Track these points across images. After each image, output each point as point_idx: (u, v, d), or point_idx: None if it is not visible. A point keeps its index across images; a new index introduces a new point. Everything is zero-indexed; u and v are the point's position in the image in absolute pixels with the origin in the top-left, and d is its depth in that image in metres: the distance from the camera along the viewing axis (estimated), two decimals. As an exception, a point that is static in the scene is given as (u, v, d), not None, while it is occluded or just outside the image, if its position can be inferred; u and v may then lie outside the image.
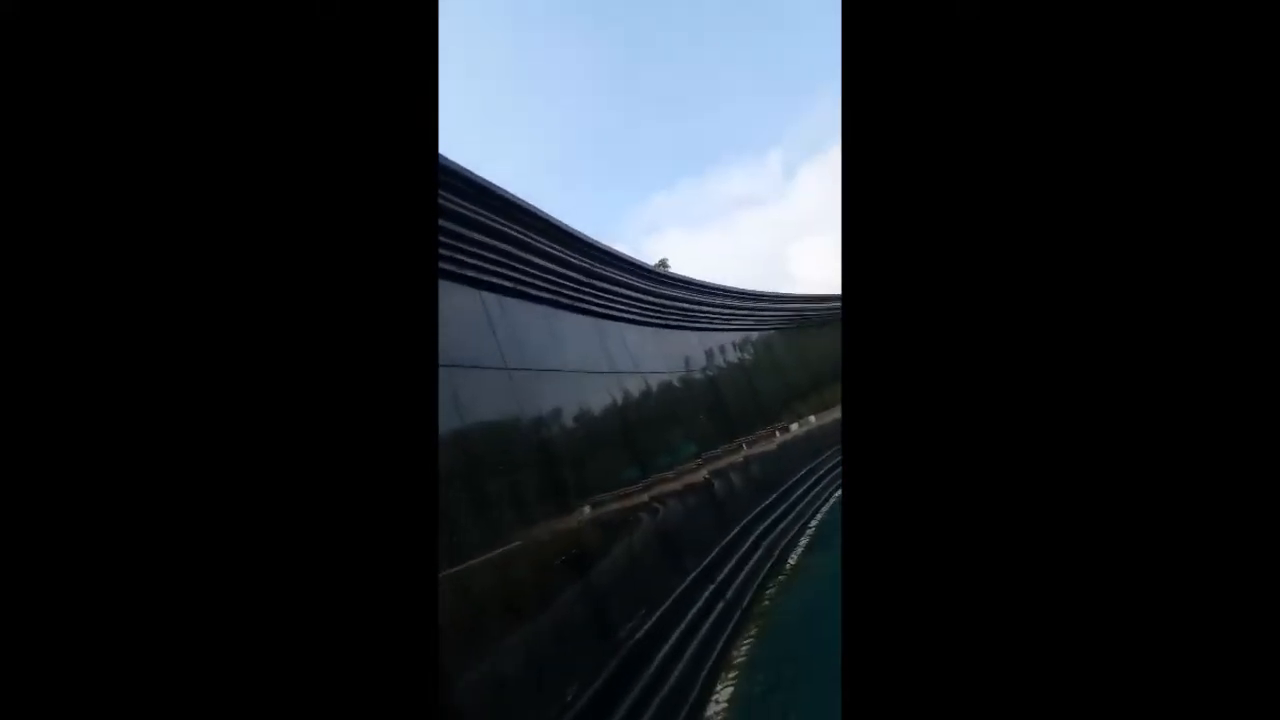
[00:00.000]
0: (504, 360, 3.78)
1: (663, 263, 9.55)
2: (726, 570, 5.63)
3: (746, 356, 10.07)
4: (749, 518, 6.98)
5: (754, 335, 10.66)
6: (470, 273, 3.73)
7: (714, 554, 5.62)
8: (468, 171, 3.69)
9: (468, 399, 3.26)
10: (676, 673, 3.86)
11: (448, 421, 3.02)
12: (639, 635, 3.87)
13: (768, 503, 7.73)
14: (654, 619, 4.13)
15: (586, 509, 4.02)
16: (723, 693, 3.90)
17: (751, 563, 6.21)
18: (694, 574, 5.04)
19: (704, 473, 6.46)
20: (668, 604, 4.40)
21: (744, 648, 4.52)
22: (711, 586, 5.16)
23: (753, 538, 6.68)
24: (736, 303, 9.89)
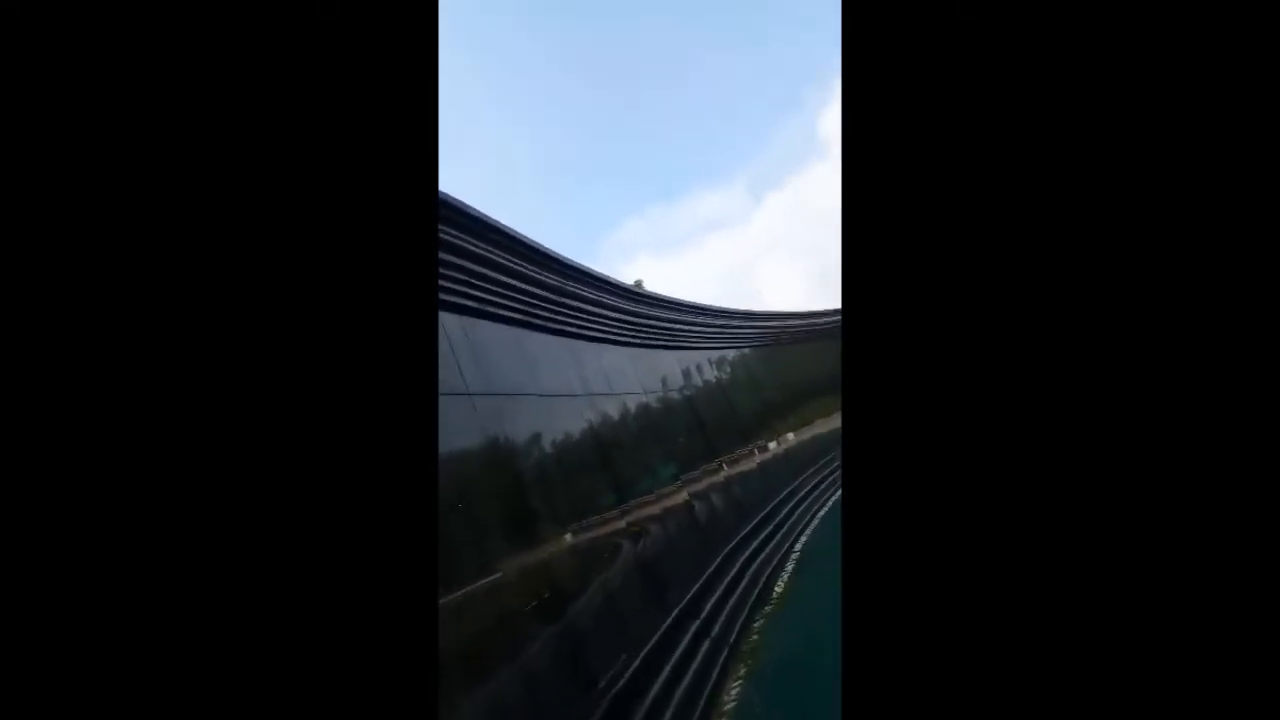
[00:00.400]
0: (466, 385, 3.47)
1: (638, 284, 9.38)
2: (712, 602, 5.32)
3: (724, 375, 9.89)
4: (732, 544, 6.69)
5: (731, 353, 10.50)
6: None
7: (698, 585, 5.31)
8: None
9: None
10: (662, 725, 3.52)
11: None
12: (620, 684, 3.53)
13: (751, 526, 7.46)
14: (637, 663, 3.79)
15: (558, 544, 3.69)
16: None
17: (737, 593, 5.90)
18: (678, 610, 4.71)
19: (684, 496, 6.17)
20: (651, 645, 4.06)
21: (734, 691, 4.19)
22: (696, 622, 4.83)
23: (737, 565, 6.38)
24: (712, 320, 9.73)
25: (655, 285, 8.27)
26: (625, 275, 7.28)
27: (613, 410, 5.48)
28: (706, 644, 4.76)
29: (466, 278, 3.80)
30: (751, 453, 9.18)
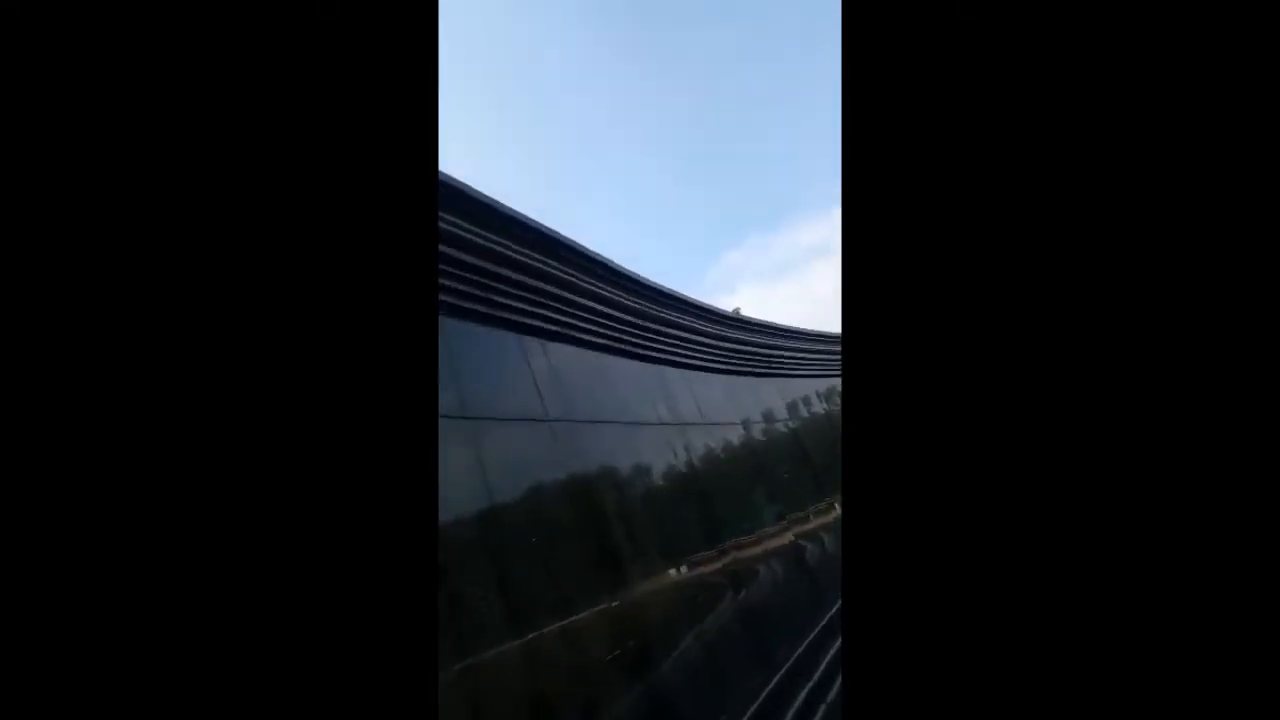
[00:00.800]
0: (545, 411, 3.30)
1: (736, 312, 9.02)
2: (828, 659, 4.64)
3: (832, 405, 9.12)
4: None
5: (838, 381, 9.72)
6: (506, 314, 3.35)
7: (810, 639, 4.66)
8: (505, 207, 3.39)
9: (496, 455, 2.78)
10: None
11: (469, 481, 2.53)
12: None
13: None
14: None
15: (644, 587, 3.34)
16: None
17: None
18: (786, 668, 4.12)
19: (789, 537, 5.56)
20: (754, 709, 3.53)
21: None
22: (809, 684, 4.20)
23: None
24: (815, 346, 9.07)
25: (757, 313, 7.86)
26: (724, 305, 7.00)
27: (707, 441, 5.10)
28: (822, 710, 4.11)
29: (547, 300, 3.70)
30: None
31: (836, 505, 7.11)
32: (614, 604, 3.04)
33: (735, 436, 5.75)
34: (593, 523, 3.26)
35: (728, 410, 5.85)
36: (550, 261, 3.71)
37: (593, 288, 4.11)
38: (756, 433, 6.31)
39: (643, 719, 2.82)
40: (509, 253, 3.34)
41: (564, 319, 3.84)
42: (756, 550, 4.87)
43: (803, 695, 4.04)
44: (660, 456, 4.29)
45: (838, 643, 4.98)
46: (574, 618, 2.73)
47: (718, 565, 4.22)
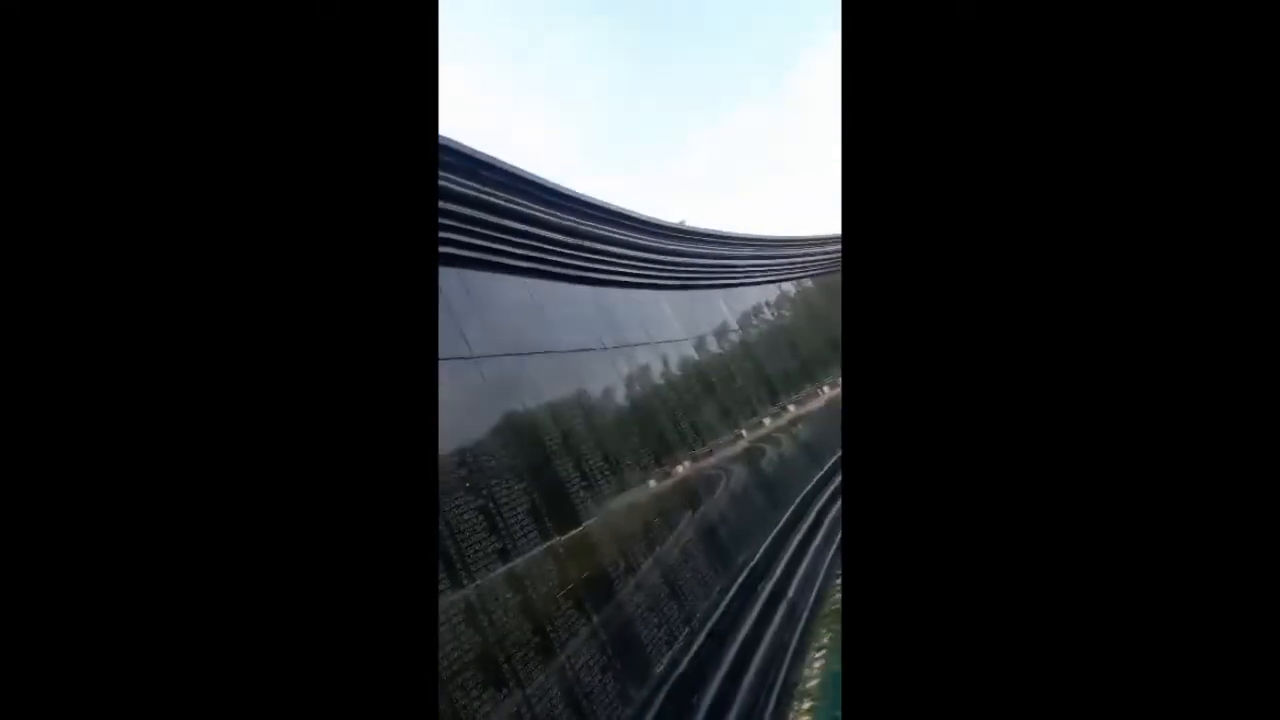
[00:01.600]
0: (470, 348, 3.03)
1: (681, 224, 8.64)
2: (784, 562, 4.83)
3: (783, 311, 9.09)
4: (807, 489, 6.13)
5: (790, 286, 9.66)
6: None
7: (769, 541, 4.82)
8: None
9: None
10: (735, 710, 3.11)
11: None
12: (682, 668, 3.13)
13: (825, 469, 6.85)
14: (701, 638, 3.38)
15: (591, 520, 3.26)
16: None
17: (815, 544, 5.38)
18: (746, 571, 4.25)
19: (743, 445, 5.63)
20: (715, 617, 3.64)
21: (816, 665, 3.72)
22: (770, 584, 4.37)
23: (814, 514, 5.83)
24: (765, 252, 8.88)
25: (708, 222, 7.52)
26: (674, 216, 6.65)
27: (652, 361, 4.94)
28: (784, 606, 4.31)
29: (462, 224, 3.31)
30: (818, 392, 8.47)
31: (790, 406, 7.28)
32: (561, 539, 2.95)
33: (684, 354, 5.62)
34: (530, 460, 3.09)
35: (675, 327, 5.67)
36: (461, 180, 3.28)
37: (514, 207, 3.70)
38: (706, 346, 6.20)
39: (609, 630, 2.81)
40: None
41: (484, 244, 3.46)
42: (710, 462, 4.90)
43: (762, 599, 4.20)
44: (604, 382, 4.11)
45: (793, 544, 5.18)
46: (519, 558, 2.62)
47: (667, 485, 4.20)
